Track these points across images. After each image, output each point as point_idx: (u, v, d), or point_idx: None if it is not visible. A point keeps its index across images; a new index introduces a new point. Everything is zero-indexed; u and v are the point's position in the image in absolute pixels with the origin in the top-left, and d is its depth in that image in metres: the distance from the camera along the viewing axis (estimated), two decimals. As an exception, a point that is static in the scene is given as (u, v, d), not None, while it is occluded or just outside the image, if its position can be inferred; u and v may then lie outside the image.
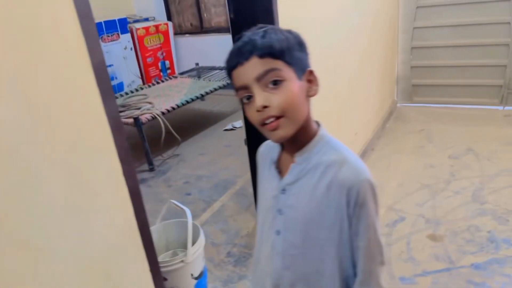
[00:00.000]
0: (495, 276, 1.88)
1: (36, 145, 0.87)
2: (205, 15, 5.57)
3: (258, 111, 0.74)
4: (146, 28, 5.22)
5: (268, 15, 1.65)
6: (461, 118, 3.77)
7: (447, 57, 3.85)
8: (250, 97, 0.76)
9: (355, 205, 0.79)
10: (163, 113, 3.53)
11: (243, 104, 0.79)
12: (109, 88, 1.03)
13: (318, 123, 0.87)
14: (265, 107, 0.74)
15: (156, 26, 5.35)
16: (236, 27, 1.76)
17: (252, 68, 0.74)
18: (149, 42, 5.29)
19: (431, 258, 2.05)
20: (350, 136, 2.83)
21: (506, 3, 3.46)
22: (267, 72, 0.74)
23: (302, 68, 0.79)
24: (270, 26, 0.79)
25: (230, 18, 1.74)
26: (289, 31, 0.80)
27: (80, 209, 0.98)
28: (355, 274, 0.85)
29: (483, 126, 3.52)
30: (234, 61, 0.76)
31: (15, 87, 0.82)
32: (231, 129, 4.13)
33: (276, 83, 0.74)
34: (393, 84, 4.06)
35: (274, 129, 0.76)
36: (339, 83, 2.56)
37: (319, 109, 2.31)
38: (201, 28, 5.63)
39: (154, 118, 3.45)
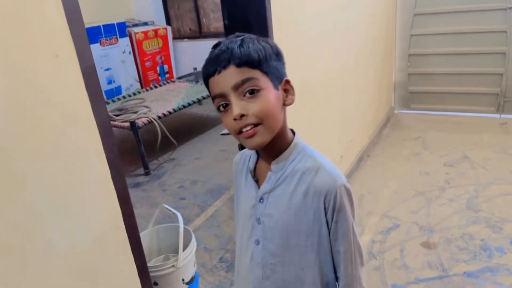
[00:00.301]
0: (487, 284, 1.88)
1: (23, 147, 0.87)
2: (203, 20, 5.60)
3: (235, 119, 0.75)
4: (145, 32, 5.24)
5: (261, 21, 1.66)
6: (457, 125, 3.78)
7: (444, 65, 3.87)
8: (227, 105, 0.76)
9: (333, 210, 0.80)
10: (159, 117, 3.53)
11: (219, 111, 0.79)
12: (98, 93, 1.03)
13: (293, 131, 0.88)
14: (242, 116, 0.74)
15: (155, 31, 5.37)
16: (231, 33, 1.76)
17: (229, 76, 0.74)
18: (147, 46, 5.31)
19: (424, 266, 2.05)
20: (345, 142, 2.83)
21: (502, 12, 3.48)
22: (244, 81, 0.74)
23: (278, 78, 0.80)
24: (247, 35, 0.79)
25: (224, 24, 1.75)
26: (266, 41, 0.80)
27: (67, 212, 0.98)
28: (336, 279, 0.87)
29: (479, 134, 3.53)
30: (211, 68, 0.76)
31: (2, 89, 0.82)
32: (228, 134, 4.12)
33: (253, 92, 0.75)
34: (390, 91, 4.07)
35: (251, 136, 0.76)
36: (334, 89, 2.57)
37: (314, 115, 2.33)
38: (200, 33, 5.66)
39: (150, 122, 3.46)
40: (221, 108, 0.78)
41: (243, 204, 0.92)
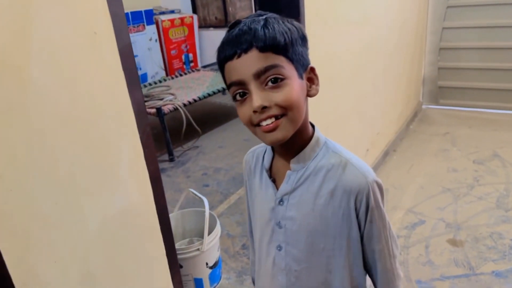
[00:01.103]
0: (517, 285, 1.82)
1: (62, 124, 0.88)
2: (230, 9, 5.58)
3: (254, 111, 0.66)
4: (172, 20, 5.26)
5: (294, 7, 1.63)
6: (487, 122, 3.65)
7: (476, 59, 3.74)
8: (244, 94, 0.68)
9: (367, 210, 0.73)
10: (184, 105, 3.55)
11: (234, 100, 0.70)
12: (134, 72, 1.04)
13: (312, 125, 0.79)
14: (264, 108, 0.66)
15: (181, 19, 5.38)
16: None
17: (251, 62, 0.65)
18: (173, 35, 5.33)
19: (450, 263, 2.00)
20: (371, 136, 2.79)
21: (541, 5, 3.33)
22: (268, 68, 0.65)
23: (303, 65, 0.71)
24: (270, 15, 0.70)
25: (255, 10, 1.73)
26: (291, 22, 0.71)
27: (100, 189, 1.00)
28: (371, 276, 0.82)
29: (510, 132, 3.41)
30: (230, 51, 0.67)
31: (42, 64, 0.83)
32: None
33: (276, 80, 0.66)
34: (419, 85, 3.97)
35: (271, 130, 0.67)
36: (362, 82, 2.52)
37: (340, 108, 2.29)
38: (226, 22, 5.64)
39: (176, 109, 3.48)
40: (238, 97, 0.69)
41: (260, 207, 0.84)
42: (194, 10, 5.82)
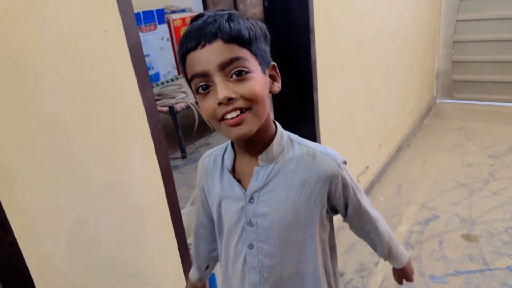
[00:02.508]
0: (533, 280, 1.79)
1: (73, 119, 0.91)
2: (240, 6, 5.58)
3: (219, 103, 0.65)
4: (183, 19, 5.29)
5: (303, 2, 1.63)
6: (503, 116, 3.58)
7: (491, 53, 3.66)
8: (208, 87, 0.66)
9: (342, 190, 0.79)
10: (196, 103, 3.57)
11: (197, 94, 0.68)
12: (144, 70, 1.05)
13: (274, 122, 0.79)
14: (229, 99, 0.64)
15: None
16: (270, 16, 1.75)
17: (216, 53, 0.64)
18: (185, 33, 5.36)
19: (465, 258, 1.98)
20: (384, 130, 2.76)
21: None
22: (233, 60, 0.64)
23: (266, 61, 0.71)
24: (233, 11, 0.70)
25: (264, 6, 1.73)
26: (255, 20, 0.71)
27: (113, 184, 1.02)
28: (365, 233, 0.91)
29: (527, 126, 3.34)
30: (193, 42, 0.65)
31: (55, 60, 0.85)
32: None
33: (240, 73, 0.65)
34: (432, 79, 3.91)
35: (237, 125, 0.66)
36: (374, 76, 2.50)
37: (350, 102, 2.28)
38: (237, 20, 5.65)
39: (188, 107, 3.51)
40: (200, 90, 0.67)
41: (225, 210, 0.83)
42: (205, 8, 5.84)
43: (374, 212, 0.90)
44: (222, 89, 0.64)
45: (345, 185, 0.79)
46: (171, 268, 1.24)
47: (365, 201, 0.87)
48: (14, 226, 0.78)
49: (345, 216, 0.86)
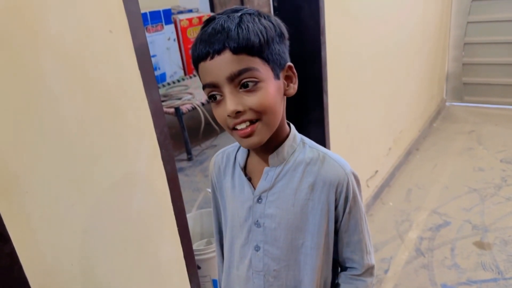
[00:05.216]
0: (550, 291, 1.74)
1: (77, 119, 0.87)
2: (248, 6, 5.55)
3: (228, 115, 0.65)
4: (190, 20, 5.27)
5: (313, 2, 1.59)
6: (516, 120, 3.52)
7: (503, 55, 3.59)
8: (219, 96, 0.66)
9: (346, 201, 0.75)
10: (202, 104, 3.55)
11: (211, 101, 0.69)
12: (150, 72, 1.02)
13: (289, 123, 0.78)
14: (238, 112, 0.64)
15: (200, 18, 5.38)
16: (279, 16, 1.71)
17: (224, 65, 0.63)
18: (192, 34, 5.34)
19: (478, 267, 1.92)
20: (394, 134, 2.71)
21: None
22: (241, 72, 0.63)
23: (280, 64, 0.69)
24: (246, 10, 0.67)
25: (274, 6, 1.69)
26: (269, 18, 0.68)
27: (118, 190, 0.98)
28: (345, 269, 0.83)
29: (540, 130, 3.27)
30: (203, 51, 0.64)
31: (59, 59, 0.82)
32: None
33: (248, 85, 0.64)
34: (442, 82, 3.85)
35: (248, 136, 0.67)
36: (384, 79, 2.45)
37: (361, 105, 2.23)
38: (244, 21, 5.62)
39: (194, 108, 3.48)
40: (213, 99, 0.67)
41: (233, 208, 0.82)
42: (212, 9, 5.82)
43: (372, 261, 0.82)
44: (231, 102, 0.64)
45: (351, 198, 0.75)
46: (177, 275, 1.21)
47: (362, 236, 0.79)
48: (13, 236, 0.75)
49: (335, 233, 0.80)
